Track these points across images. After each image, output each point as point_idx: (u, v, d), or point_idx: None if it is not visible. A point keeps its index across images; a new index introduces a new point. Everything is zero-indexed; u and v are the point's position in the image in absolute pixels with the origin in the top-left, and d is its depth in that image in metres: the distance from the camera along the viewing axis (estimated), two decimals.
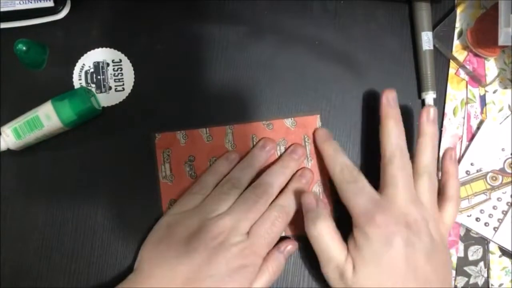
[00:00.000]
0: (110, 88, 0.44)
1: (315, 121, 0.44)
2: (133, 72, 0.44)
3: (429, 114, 0.40)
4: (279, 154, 0.43)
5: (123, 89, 0.44)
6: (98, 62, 0.44)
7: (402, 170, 0.38)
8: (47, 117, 0.40)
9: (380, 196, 0.38)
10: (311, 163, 0.43)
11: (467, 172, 0.44)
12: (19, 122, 0.40)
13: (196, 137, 0.43)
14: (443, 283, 0.37)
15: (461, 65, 0.45)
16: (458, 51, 0.45)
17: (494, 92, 0.45)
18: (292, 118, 0.44)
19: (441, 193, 0.41)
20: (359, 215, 0.37)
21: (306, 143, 0.44)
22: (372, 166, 0.43)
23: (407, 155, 0.39)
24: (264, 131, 0.43)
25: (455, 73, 0.45)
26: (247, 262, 0.37)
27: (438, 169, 0.43)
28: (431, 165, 0.39)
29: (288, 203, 0.40)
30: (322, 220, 0.38)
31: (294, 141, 0.43)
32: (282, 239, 0.41)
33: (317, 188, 0.43)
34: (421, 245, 0.36)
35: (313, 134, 0.43)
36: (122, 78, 0.44)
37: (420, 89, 0.44)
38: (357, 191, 0.38)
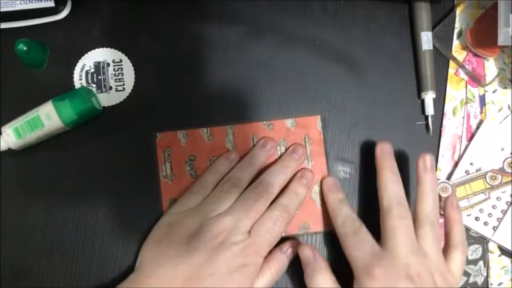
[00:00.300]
0: (110, 88, 0.44)
1: (316, 121, 0.44)
2: (133, 72, 0.44)
3: (425, 162, 0.40)
4: (279, 154, 0.43)
5: (124, 89, 0.44)
6: (99, 62, 0.44)
7: (401, 220, 0.37)
8: (48, 117, 0.40)
9: (381, 248, 0.37)
10: (312, 163, 0.43)
11: (467, 172, 0.44)
12: (20, 121, 0.40)
13: (197, 136, 0.43)
14: None
15: (461, 65, 0.45)
16: (457, 51, 0.45)
17: (494, 92, 0.45)
18: (293, 119, 0.44)
19: (446, 242, 0.40)
20: (358, 269, 0.36)
21: (307, 144, 0.44)
22: (373, 167, 0.43)
23: (405, 204, 0.38)
24: (264, 131, 0.44)
25: (455, 73, 0.45)
26: (247, 261, 0.37)
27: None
28: (432, 213, 0.38)
29: (290, 203, 0.40)
30: (321, 274, 0.38)
31: (295, 142, 0.44)
32: (284, 239, 0.41)
33: (317, 188, 0.43)
34: None
35: (321, 181, 0.43)
36: (123, 78, 0.44)
37: (419, 89, 0.45)
38: (357, 243, 0.37)
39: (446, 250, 0.39)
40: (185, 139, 0.43)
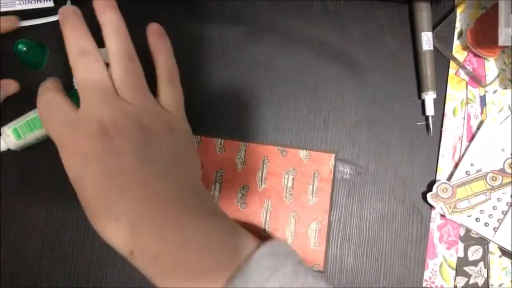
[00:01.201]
0: None
1: (329, 159, 0.43)
2: None
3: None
4: (286, 183, 0.43)
5: None
6: None
7: (86, 72, 0.33)
8: None
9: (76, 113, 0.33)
10: (316, 200, 0.43)
11: (467, 173, 0.44)
12: (19, 122, 0.40)
13: (209, 145, 0.43)
14: (180, 170, 0.34)
15: (461, 66, 0.45)
16: (458, 52, 0.45)
17: (494, 92, 0.45)
18: (307, 151, 0.43)
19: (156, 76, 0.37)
20: (55, 142, 0.33)
21: (315, 179, 0.43)
22: (373, 166, 0.43)
23: (95, 54, 0.34)
24: (277, 156, 0.43)
25: (455, 74, 0.45)
26: None
27: None
28: (122, 52, 0.35)
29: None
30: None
31: (304, 174, 0.43)
32: None
33: (314, 225, 0.43)
34: (128, 147, 0.31)
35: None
36: None
37: (420, 89, 0.44)
38: (47, 117, 0.34)
39: (156, 84, 0.37)
40: (198, 144, 0.43)
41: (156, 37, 0.38)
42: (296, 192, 0.43)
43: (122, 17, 0.36)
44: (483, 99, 0.45)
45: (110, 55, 0.35)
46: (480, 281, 0.44)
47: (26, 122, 0.40)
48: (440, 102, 0.45)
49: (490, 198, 0.44)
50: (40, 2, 0.42)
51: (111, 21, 0.36)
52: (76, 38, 0.35)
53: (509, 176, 0.43)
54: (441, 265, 0.43)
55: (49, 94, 0.35)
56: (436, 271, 0.43)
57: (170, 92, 0.37)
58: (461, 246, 0.44)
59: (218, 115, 0.44)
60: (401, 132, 0.44)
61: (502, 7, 0.39)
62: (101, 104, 0.32)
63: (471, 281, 0.44)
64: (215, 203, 0.36)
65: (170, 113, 0.36)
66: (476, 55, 0.45)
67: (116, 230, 0.31)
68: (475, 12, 0.45)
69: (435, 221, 0.44)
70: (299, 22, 0.45)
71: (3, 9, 0.42)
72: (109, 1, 0.36)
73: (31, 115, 0.40)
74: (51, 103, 0.35)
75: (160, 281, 0.31)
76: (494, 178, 0.44)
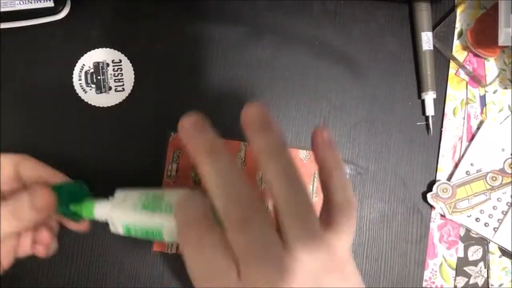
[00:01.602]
0: (110, 88, 0.43)
1: None
2: (133, 72, 0.44)
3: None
4: None
5: (123, 89, 0.44)
6: (98, 62, 0.44)
7: (253, 239, 0.24)
8: (171, 235, 0.31)
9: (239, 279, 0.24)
10: (317, 200, 0.43)
11: (467, 173, 0.44)
12: (137, 224, 0.32)
13: None
14: None
15: (461, 66, 0.45)
16: (458, 52, 0.45)
17: (494, 92, 0.45)
18: (307, 151, 0.43)
19: (324, 199, 0.28)
20: None
21: (315, 179, 0.43)
22: (373, 166, 0.43)
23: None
24: None
25: (455, 74, 0.45)
26: None
27: None
28: (295, 200, 0.25)
29: None
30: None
31: (304, 174, 0.43)
32: None
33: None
34: None
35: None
36: (122, 79, 0.44)
37: (420, 89, 0.44)
38: (199, 271, 0.25)
39: (325, 212, 0.27)
40: None
41: (328, 148, 0.28)
42: None
43: (292, 157, 0.26)
44: (483, 99, 0.45)
45: (280, 205, 0.25)
46: (480, 281, 0.44)
47: (145, 230, 0.32)
48: (440, 102, 0.45)
49: (490, 198, 0.44)
50: (40, 2, 0.42)
51: (282, 162, 0.25)
52: (237, 195, 0.25)
53: (509, 176, 0.43)
54: (441, 265, 0.43)
55: (205, 239, 0.25)
56: (436, 271, 0.43)
57: (347, 225, 0.27)
58: (461, 246, 0.44)
59: (218, 115, 0.44)
60: (401, 132, 0.44)
61: (502, 7, 0.39)
62: (273, 270, 0.23)
63: (471, 281, 0.44)
64: None
65: (338, 249, 0.26)
66: (476, 55, 0.45)
67: None
68: (475, 12, 0.45)
69: (435, 221, 0.44)
70: (299, 22, 0.45)
71: (3, 9, 0.42)
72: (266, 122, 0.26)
73: (153, 226, 0.31)
74: (206, 255, 0.25)
75: None
76: (494, 178, 0.44)
